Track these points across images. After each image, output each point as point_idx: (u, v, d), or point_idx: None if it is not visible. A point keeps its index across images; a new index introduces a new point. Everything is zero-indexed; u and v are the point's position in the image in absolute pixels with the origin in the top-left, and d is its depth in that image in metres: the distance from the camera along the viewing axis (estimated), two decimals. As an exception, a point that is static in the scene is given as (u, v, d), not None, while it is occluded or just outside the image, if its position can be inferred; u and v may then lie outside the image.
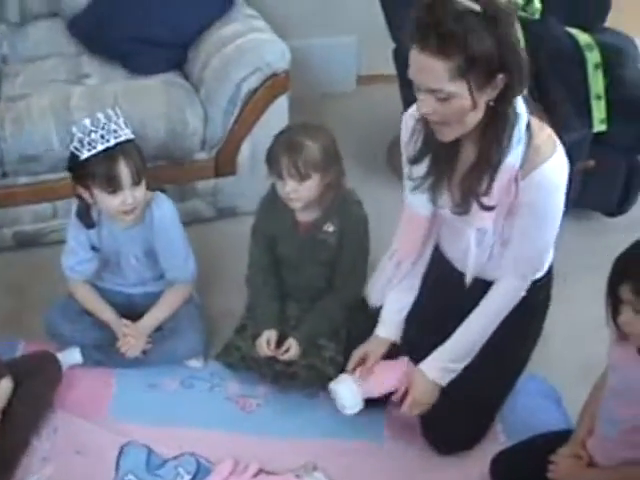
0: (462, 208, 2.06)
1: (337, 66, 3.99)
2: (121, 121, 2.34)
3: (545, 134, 2.00)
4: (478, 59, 1.78)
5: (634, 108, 2.96)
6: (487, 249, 2.15)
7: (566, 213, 2.12)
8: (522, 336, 2.36)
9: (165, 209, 2.46)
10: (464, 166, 2.05)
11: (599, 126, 2.93)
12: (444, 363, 2.23)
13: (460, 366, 2.23)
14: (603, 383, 2.15)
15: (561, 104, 2.88)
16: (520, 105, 1.96)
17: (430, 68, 1.81)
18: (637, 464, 2.02)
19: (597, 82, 2.87)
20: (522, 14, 2.95)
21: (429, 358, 2.24)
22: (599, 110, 2.91)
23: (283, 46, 2.93)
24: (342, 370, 2.34)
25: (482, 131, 1.95)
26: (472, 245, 2.14)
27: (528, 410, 2.48)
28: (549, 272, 2.31)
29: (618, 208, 3.22)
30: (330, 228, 2.44)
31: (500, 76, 1.83)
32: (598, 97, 2.89)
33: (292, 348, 2.41)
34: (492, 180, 1.98)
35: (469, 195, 2.02)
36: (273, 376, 2.45)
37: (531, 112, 2.01)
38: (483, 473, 2.28)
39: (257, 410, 2.46)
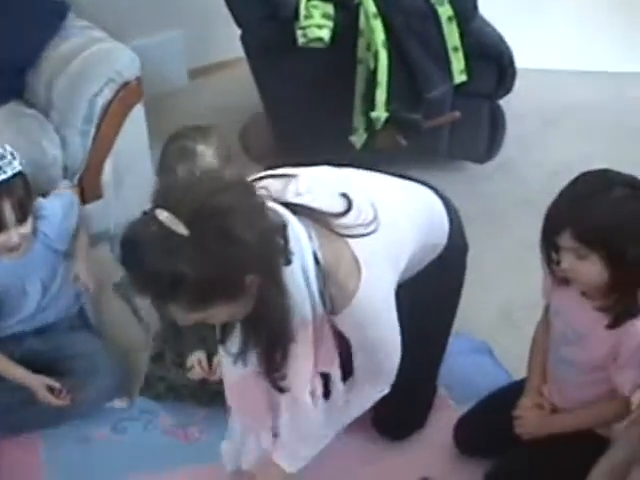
0: None
1: (167, 63, 3.82)
2: (7, 152, 2.16)
3: (345, 262, 1.71)
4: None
5: (487, 54, 3.01)
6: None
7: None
8: (444, 303, 2.28)
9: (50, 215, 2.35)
10: None
11: (460, 77, 2.96)
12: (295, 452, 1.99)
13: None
14: (544, 329, 2.18)
15: (422, 62, 2.89)
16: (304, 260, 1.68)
17: None
18: (604, 400, 2.06)
19: (452, 34, 2.88)
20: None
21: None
22: (458, 61, 2.92)
23: (130, 52, 2.75)
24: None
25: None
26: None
27: (466, 369, 2.48)
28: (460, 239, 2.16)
29: (486, 154, 3.27)
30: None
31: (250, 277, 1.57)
32: (455, 49, 2.91)
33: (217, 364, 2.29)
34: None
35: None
36: (209, 398, 2.32)
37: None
38: (445, 442, 2.26)
39: (201, 438, 2.32)
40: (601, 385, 2.04)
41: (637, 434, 1.84)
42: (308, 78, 2.98)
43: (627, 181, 1.85)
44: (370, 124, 2.99)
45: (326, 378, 1.90)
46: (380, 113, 2.91)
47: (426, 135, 3.06)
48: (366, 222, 1.72)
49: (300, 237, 1.67)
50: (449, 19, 2.86)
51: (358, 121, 3.03)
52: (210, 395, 2.31)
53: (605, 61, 3.87)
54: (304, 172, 1.83)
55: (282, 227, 1.63)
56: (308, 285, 1.69)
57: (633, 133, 3.62)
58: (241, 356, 1.84)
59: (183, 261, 1.46)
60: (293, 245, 1.64)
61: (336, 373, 1.88)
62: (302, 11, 2.83)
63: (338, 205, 1.72)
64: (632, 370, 1.93)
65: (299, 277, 1.67)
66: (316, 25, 2.81)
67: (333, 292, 1.72)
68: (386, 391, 1.94)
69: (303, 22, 2.81)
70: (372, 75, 2.87)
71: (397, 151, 3.08)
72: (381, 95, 2.87)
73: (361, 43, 2.86)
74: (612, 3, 3.88)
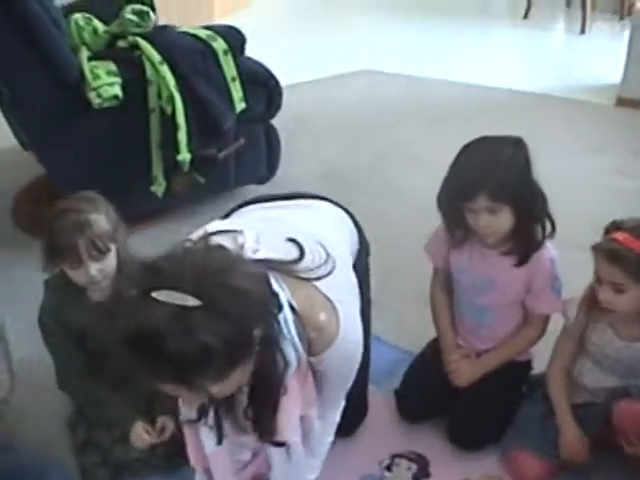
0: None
1: None
2: None
3: (319, 305, 1.71)
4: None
5: (257, 80, 3.20)
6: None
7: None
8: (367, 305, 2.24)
9: None
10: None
11: (240, 105, 3.12)
12: None
13: None
14: (440, 290, 2.43)
15: (211, 97, 3.01)
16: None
17: None
18: (518, 331, 2.37)
19: (229, 66, 3.04)
20: (139, 30, 2.97)
21: None
22: (237, 90, 3.09)
23: None
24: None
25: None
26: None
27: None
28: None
29: (268, 173, 3.46)
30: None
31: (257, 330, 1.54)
32: (233, 79, 3.07)
33: (167, 426, 2.24)
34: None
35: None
36: (166, 460, 2.27)
37: None
38: (388, 419, 2.42)
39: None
40: (515, 318, 2.36)
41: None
42: (102, 138, 2.96)
43: (507, 140, 2.17)
44: (170, 170, 3.05)
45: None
46: (185, 155, 2.99)
47: (218, 168, 3.19)
48: (322, 261, 1.73)
49: (274, 288, 1.64)
50: (225, 52, 3.01)
51: (157, 169, 3.07)
52: (165, 456, 2.26)
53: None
54: (241, 223, 1.84)
55: (266, 275, 1.61)
56: (289, 333, 1.67)
57: (372, 127, 4.08)
58: (218, 429, 1.83)
59: (205, 332, 1.41)
60: None
61: (314, 412, 1.91)
62: (87, 74, 2.81)
63: (292, 251, 1.72)
64: (548, 293, 2.27)
65: (282, 327, 1.65)
66: (107, 84, 2.81)
67: (313, 336, 1.71)
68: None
69: (93, 83, 2.79)
70: (170, 120, 2.94)
71: (193, 190, 3.18)
72: (182, 137, 2.95)
73: (151, 92, 2.91)
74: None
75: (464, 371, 2.36)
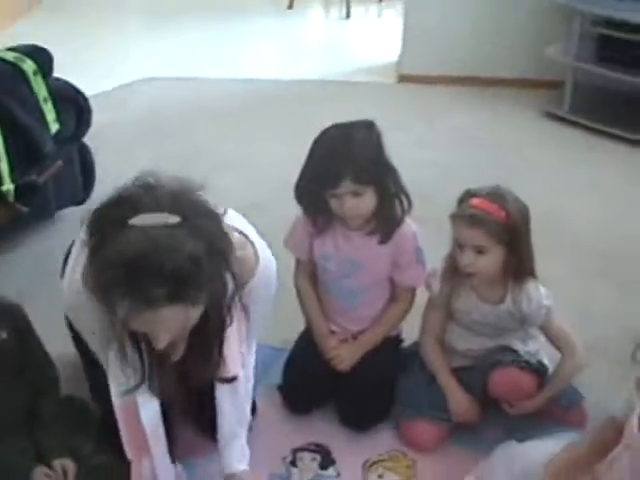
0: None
1: None
2: None
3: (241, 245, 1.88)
4: None
5: (66, 98, 3.08)
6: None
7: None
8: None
9: None
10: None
11: (54, 126, 2.99)
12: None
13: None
14: (304, 278, 2.46)
15: (28, 121, 2.87)
16: None
17: None
18: (389, 308, 2.45)
19: (40, 87, 2.90)
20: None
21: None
22: (49, 111, 2.95)
23: None
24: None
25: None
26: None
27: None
28: None
29: (85, 193, 3.33)
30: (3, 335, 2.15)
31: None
32: (45, 100, 2.93)
33: (69, 468, 2.12)
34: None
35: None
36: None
37: None
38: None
39: None
40: (385, 296, 2.44)
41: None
42: None
43: (358, 124, 2.23)
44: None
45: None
46: (8, 186, 2.83)
47: (38, 194, 3.03)
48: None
49: None
50: (34, 73, 2.86)
51: (-24, 205, 2.87)
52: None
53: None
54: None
55: None
56: None
57: (172, 133, 4.04)
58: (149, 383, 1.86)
59: (190, 244, 1.57)
60: None
61: (246, 347, 2.03)
62: None
63: None
64: (414, 266, 2.36)
65: None
66: None
67: (237, 270, 1.79)
68: None
69: None
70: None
71: (14, 220, 3.01)
72: (5, 167, 2.79)
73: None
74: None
75: (345, 355, 2.41)
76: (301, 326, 2.53)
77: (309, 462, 2.28)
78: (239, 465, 2.05)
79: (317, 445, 2.33)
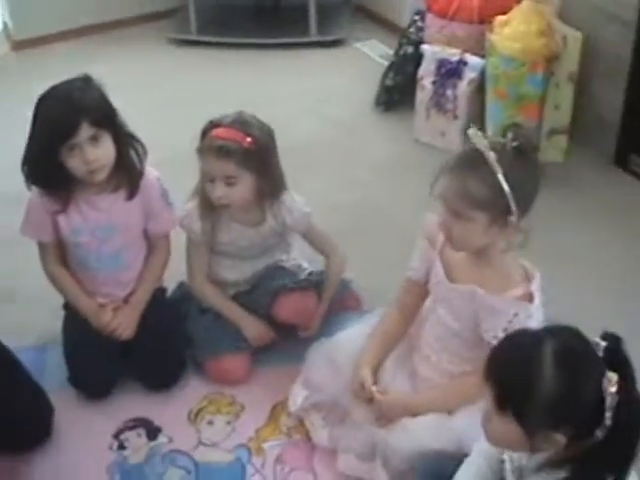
0: None
1: None
2: None
3: None
4: None
5: None
6: None
7: None
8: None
9: None
10: None
11: None
12: None
13: None
14: (54, 264, 2.32)
15: None
16: None
17: None
18: (147, 265, 2.37)
19: None
20: None
21: None
22: None
23: None
24: None
25: None
26: None
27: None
28: None
29: None
30: None
31: None
32: None
33: None
34: None
35: None
36: None
37: None
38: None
39: None
40: (144, 249, 2.37)
41: None
42: None
43: (76, 80, 2.12)
44: None
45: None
46: None
47: None
48: None
49: None
50: None
51: None
52: None
53: None
54: None
55: None
56: None
57: None
58: None
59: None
60: None
61: None
62: None
63: None
64: (165, 211, 2.31)
65: None
66: None
67: None
68: None
69: None
70: None
71: None
72: None
73: None
74: None
75: (125, 323, 2.30)
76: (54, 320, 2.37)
77: (136, 439, 2.18)
78: None
79: (134, 420, 2.23)
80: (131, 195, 2.21)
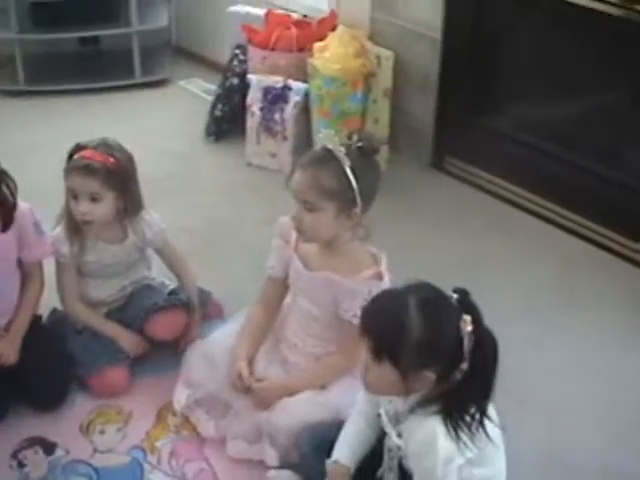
0: None
1: None
2: None
3: None
4: None
5: None
6: None
7: None
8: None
9: None
10: None
11: None
12: None
13: None
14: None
15: None
16: None
17: None
18: (23, 293, 2.49)
19: None
20: None
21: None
22: None
23: None
24: None
25: None
26: None
27: None
28: None
29: None
30: None
31: None
32: None
33: None
34: None
35: None
36: None
37: None
38: None
39: None
40: (17, 280, 2.47)
41: None
42: None
43: None
44: None
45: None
46: None
47: None
48: None
49: None
50: None
51: None
52: None
53: None
54: None
55: None
56: None
57: None
58: None
59: None
60: None
61: None
62: None
63: None
64: (39, 239, 2.45)
65: None
66: None
67: None
68: None
69: None
70: None
71: None
72: None
73: None
74: None
75: (8, 350, 2.38)
76: None
77: (34, 456, 2.27)
78: None
79: (28, 440, 2.32)
80: (5, 227, 2.33)
